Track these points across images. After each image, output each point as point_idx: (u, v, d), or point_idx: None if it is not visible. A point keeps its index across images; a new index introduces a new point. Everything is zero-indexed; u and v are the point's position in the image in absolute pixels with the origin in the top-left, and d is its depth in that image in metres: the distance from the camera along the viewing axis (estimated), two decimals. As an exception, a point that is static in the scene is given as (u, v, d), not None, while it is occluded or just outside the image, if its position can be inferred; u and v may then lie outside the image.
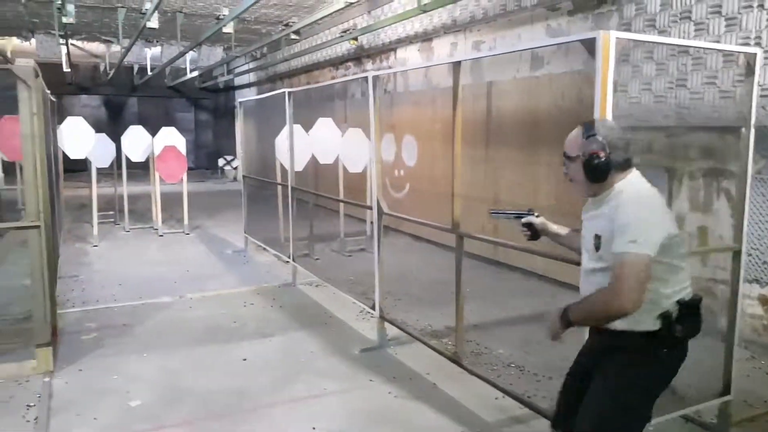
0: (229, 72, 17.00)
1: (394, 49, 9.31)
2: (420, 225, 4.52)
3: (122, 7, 9.91)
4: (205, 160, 21.32)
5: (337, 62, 11.29)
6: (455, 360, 3.86)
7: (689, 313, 2.05)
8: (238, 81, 18.37)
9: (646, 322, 2.03)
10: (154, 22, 7.89)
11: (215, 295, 6.11)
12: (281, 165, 7.64)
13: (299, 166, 7.26)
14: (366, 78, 4.54)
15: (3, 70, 3.95)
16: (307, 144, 7.33)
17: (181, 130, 19.35)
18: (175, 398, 3.77)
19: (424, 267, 6.97)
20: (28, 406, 3.66)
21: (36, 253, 4.19)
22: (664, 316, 2.03)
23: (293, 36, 8.95)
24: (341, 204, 8.01)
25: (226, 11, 8.54)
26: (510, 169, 6.88)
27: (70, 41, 11.97)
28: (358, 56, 10.42)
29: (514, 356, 4.35)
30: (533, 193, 6.43)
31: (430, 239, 7.93)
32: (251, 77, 17.04)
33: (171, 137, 9.60)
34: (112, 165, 9.73)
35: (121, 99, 20.09)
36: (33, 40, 13.33)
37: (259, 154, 8.99)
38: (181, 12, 10.21)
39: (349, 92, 10.94)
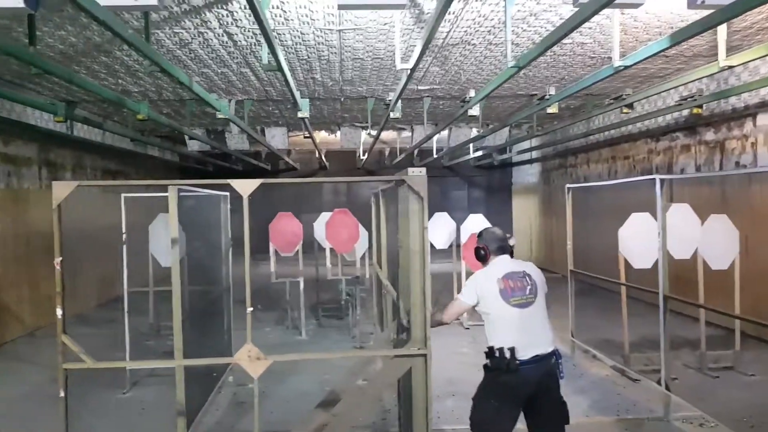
0: (509, 150, 16.60)
1: (753, 115, 7.56)
2: None
3: (428, 96, 10.06)
4: (477, 237, 21.02)
5: (658, 133, 9.79)
6: None
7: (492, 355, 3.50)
8: (516, 158, 17.90)
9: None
10: (475, 109, 7.56)
11: (575, 425, 5.01)
12: (626, 261, 6.47)
13: (646, 263, 6.03)
14: None
15: (398, 181, 3.59)
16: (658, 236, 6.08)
17: (455, 209, 19.67)
18: None
19: None
20: None
21: (421, 383, 3.65)
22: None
23: (625, 110, 7.86)
24: (702, 310, 6.44)
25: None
26: None
27: (371, 132, 12.66)
28: (692, 125, 8.83)
29: None
30: None
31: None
32: (533, 153, 16.35)
33: (477, 224, 9.15)
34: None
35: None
36: (338, 133, 14.54)
37: (584, 243, 7.93)
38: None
39: (676, 167, 9.35)
